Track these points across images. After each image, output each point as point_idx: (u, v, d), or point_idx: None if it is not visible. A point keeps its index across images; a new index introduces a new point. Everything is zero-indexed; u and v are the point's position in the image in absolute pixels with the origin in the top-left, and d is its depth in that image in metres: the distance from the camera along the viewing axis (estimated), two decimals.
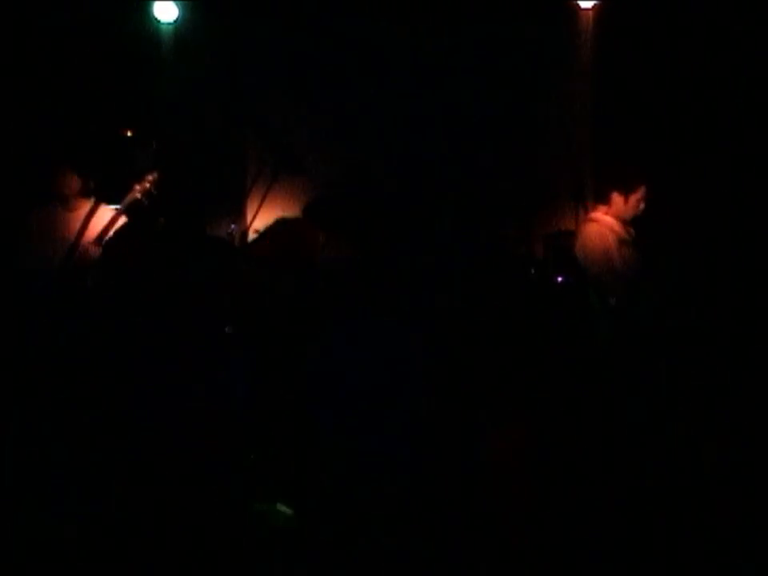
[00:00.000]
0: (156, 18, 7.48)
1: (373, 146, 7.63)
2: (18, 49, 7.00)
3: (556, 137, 7.17)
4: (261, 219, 7.32)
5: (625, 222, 6.13)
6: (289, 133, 7.49)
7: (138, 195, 6.17)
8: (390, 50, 7.42)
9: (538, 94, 7.33)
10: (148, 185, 6.21)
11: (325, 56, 7.63)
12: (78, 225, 6.12)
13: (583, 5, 7.10)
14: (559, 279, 6.56)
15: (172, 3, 7.48)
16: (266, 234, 4.74)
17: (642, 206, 6.17)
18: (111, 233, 5.74)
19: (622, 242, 6.12)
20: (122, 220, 6.17)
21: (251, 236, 7.05)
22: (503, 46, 7.41)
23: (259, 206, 7.25)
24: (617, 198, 6.10)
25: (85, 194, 6.21)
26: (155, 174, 6.24)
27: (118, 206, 6.35)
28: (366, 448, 2.62)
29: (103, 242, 5.50)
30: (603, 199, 6.13)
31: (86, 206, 6.20)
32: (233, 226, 7.06)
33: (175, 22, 7.17)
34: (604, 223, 6.10)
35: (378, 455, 2.58)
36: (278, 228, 4.83)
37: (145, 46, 7.31)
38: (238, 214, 7.43)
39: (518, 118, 7.32)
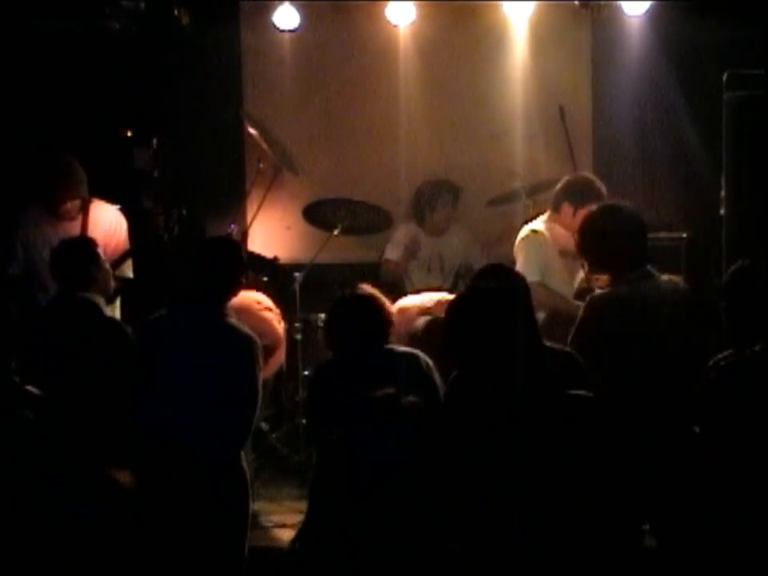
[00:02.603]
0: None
1: (370, 147, 7.63)
2: (18, 50, 7.00)
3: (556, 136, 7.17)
4: (261, 219, 7.34)
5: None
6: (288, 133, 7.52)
7: (159, 231, 6.16)
8: (390, 48, 7.42)
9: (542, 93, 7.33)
10: (171, 222, 6.20)
11: (324, 54, 7.63)
12: (73, 227, 6.11)
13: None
14: None
15: None
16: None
17: None
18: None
19: (564, 253, 6.07)
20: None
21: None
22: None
23: (259, 206, 7.25)
24: (566, 209, 6.07)
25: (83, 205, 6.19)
26: (182, 211, 6.22)
27: (119, 207, 6.38)
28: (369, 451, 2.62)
29: None
30: (555, 206, 6.11)
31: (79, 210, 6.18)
32: (233, 225, 7.05)
33: (174, 22, 7.14)
34: (552, 234, 6.03)
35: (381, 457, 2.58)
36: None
37: (146, 48, 7.29)
38: (238, 213, 7.41)
39: (518, 116, 7.31)
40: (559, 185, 6.14)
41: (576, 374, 4.01)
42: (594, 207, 5.77)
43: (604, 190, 6.01)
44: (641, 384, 4.47)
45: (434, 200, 7.06)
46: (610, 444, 3.10)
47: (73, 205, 6.07)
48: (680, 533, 4.26)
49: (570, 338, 4.65)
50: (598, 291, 4.84)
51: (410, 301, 5.72)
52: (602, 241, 4.73)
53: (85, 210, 6.16)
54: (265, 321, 5.54)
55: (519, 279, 4.29)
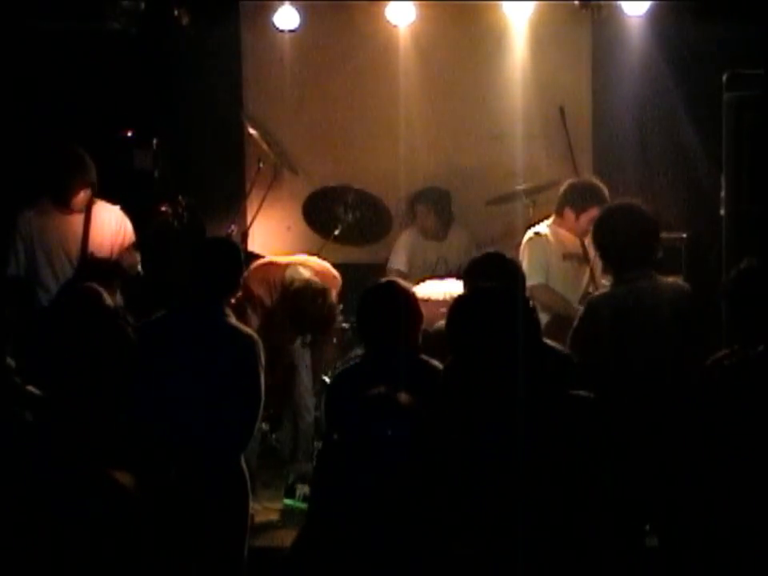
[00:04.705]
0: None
1: (370, 147, 7.63)
2: (19, 50, 7.00)
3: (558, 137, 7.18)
4: (261, 219, 7.35)
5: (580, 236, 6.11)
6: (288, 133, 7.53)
7: (169, 219, 6.19)
8: (390, 48, 7.41)
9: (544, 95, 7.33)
10: (180, 209, 6.22)
11: (324, 54, 7.63)
12: (76, 227, 6.12)
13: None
14: None
15: None
16: None
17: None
18: None
19: (568, 256, 6.09)
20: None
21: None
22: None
23: (259, 206, 7.26)
24: (568, 214, 6.12)
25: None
26: (187, 199, 6.25)
27: (119, 207, 6.39)
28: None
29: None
30: (558, 210, 6.15)
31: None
32: (233, 225, 7.05)
33: (174, 22, 7.14)
34: (556, 237, 6.06)
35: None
36: None
37: (146, 48, 7.29)
38: (238, 213, 7.42)
39: (518, 117, 7.31)
40: (562, 189, 6.18)
41: (571, 376, 4.01)
42: (599, 207, 5.80)
43: (606, 193, 6.03)
44: (635, 383, 4.45)
45: (418, 207, 7.18)
46: (610, 445, 3.11)
47: (85, 194, 6.09)
48: (681, 533, 4.26)
49: (569, 337, 4.66)
50: (597, 291, 4.85)
51: (433, 289, 5.73)
52: (607, 238, 4.76)
53: (87, 209, 6.17)
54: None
55: (514, 267, 4.38)
